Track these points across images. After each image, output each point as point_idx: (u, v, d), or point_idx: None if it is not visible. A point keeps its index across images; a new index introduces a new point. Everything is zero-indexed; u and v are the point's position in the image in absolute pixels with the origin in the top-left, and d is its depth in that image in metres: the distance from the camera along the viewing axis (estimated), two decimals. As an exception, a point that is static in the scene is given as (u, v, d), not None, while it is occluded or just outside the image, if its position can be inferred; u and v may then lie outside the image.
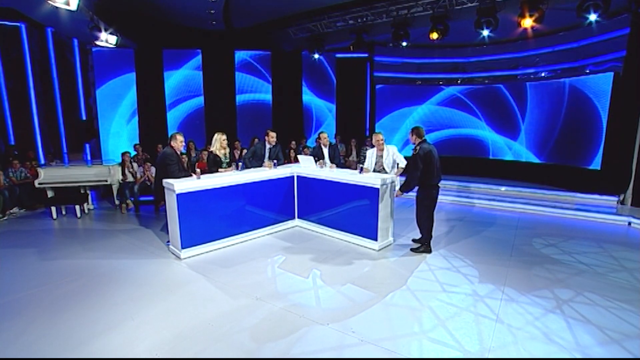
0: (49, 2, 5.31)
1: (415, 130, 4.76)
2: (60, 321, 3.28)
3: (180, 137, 5.02)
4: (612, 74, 7.25)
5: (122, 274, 4.30)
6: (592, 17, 6.12)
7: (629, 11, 6.46)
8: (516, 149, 9.42)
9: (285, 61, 10.78)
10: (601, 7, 6.01)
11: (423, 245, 4.93)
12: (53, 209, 6.65)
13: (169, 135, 5.12)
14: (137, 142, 9.21)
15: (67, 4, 5.18)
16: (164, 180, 4.75)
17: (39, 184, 6.75)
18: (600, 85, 7.50)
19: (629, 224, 6.30)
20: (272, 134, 6.12)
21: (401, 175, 5.20)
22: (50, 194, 6.91)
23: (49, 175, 6.81)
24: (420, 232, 5.02)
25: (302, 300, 3.66)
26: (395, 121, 10.71)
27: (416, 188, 4.84)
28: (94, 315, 3.38)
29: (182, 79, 10.32)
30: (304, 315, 3.35)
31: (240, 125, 10.62)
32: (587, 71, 7.99)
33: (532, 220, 6.61)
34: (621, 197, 7.18)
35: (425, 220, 4.85)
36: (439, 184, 4.79)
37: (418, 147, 4.62)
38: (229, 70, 10.41)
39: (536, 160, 8.96)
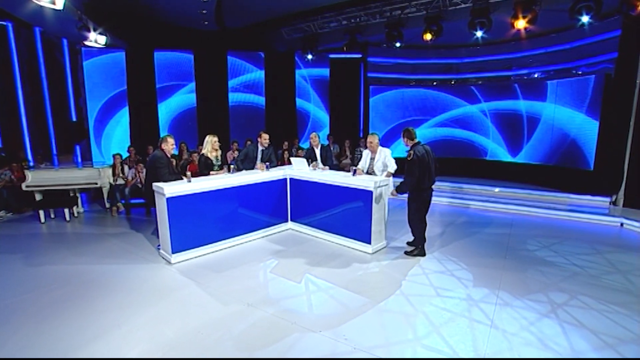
0: (34, 0, 5.19)
1: (407, 133, 4.68)
2: (46, 330, 3.19)
3: (171, 140, 4.92)
4: (604, 75, 7.28)
5: (111, 279, 4.20)
6: (585, 18, 6.14)
7: (620, 13, 6.48)
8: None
9: (278, 62, 10.70)
10: (593, 9, 6.03)
11: (417, 248, 4.89)
12: (41, 212, 6.51)
13: (160, 138, 5.02)
14: (129, 143, 9.08)
15: (53, 3, 5.05)
16: (154, 184, 4.66)
17: (27, 187, 6.60)
18: (592, 86, 7.53)
19: (621, 224, 6.33)
20: (265, 136, 6.06)
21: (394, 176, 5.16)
22: (38, 197, 6.77)
23: (37, 178, 6.65)
24: (413, 235, 4.99)
25: (294, 306, 3.60)
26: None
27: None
28: (81, 323, 3.30)
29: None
30: (296, 322, 3.29)
31: (233, 127, 10.52)
32: (580, 72, 8.02)
33: (525, 222, 6.61)
34: (613, 198, 7.21)
35: (416, 223, 4.81)
36: (432, 187, 4.74)
37: (412, 152, 4.49)
38: (221, 71, 10.30)
39: (530, 162, 8.99)
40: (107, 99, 9.74)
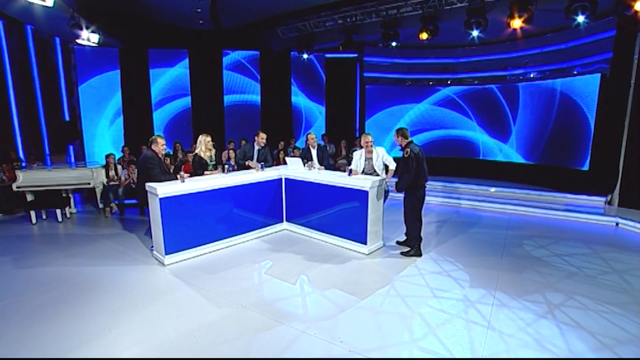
0: (24, -3, 5.10)
1: (400, 132, 4.75)
2: (35, 334, 3.11)
3: (161, 141, 4.85)
4: (599, 75, 7.29)
5: (103, 281, 4.13)
6: (580, 18, 6.13)
7: (615, 13, 6.50)
8: (506, 151, 9.47)
9: (274, 61, 10.64)
10: (589, 9, 6.02)
11: (413, 248, 4.86)
12: (32, 213, 6.40)
13: (151, 139, 4.93)
14: (123, 143, 8.98)
15: None
16: (147, 184, 4.59)
17: (17, 187, 6.47)
18: (587, 86, 7.54)
19: (617, 224, 6.33)
20: (262, 135, 6.02)
21: (393, 176, 5.13)
22: (30, 197, 6.65)
23: (28, 178, 6.53)
24: (407, 234, 4.98)
25: (289, 308, 3.55)
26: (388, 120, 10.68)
27: None
28: (71, 327, 3.22)
29: (169, 78, 10.10)
30: (291, 324, 3.24)
31: (228, 127, 10.44)
32: (575, 72, 8.03)
33: (521, 221, 6.60)
34: (609, 198, 7.22)
35: (413, 222, 4.80)
36: (426, 185, 4.78)
37: (409, 150, 4.56)
38: (216, 71, 10.22)
39: (525, 161, 8.99)
40: (103, 100, 9.65)
